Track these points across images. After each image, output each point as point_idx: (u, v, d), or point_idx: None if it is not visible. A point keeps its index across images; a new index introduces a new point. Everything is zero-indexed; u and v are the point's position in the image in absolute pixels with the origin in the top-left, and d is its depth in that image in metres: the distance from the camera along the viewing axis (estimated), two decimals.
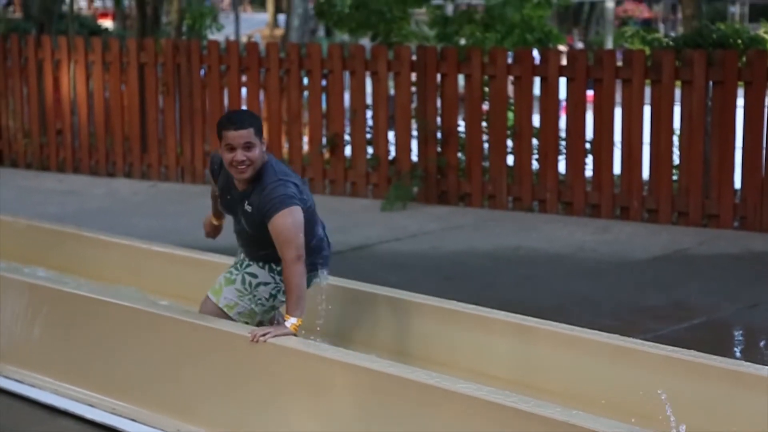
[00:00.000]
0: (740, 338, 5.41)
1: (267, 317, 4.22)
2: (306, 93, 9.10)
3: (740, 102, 7.57)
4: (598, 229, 7.62)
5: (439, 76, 8.48)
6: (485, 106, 8.46)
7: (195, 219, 5.88)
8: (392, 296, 4.52)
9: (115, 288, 5.06)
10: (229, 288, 4.10)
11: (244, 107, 9.31)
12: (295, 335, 3.83)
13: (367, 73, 8.80)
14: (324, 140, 8.97)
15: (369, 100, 8.88)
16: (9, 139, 10.46)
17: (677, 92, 7.71)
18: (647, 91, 7.78)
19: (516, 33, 11.10)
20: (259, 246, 4.05)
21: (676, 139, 7.81)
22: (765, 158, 7.49)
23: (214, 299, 4.10)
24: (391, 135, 8.78)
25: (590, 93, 8.10)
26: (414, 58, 8.60)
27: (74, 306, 4.43)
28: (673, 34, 21.71)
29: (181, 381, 4.06)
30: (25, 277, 4.79)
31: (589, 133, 8.05)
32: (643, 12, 30.20)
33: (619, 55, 8.12)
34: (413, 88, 8.63)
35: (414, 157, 8.66)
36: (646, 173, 7.86)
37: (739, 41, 7.96)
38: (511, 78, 8.30)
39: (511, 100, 8.41)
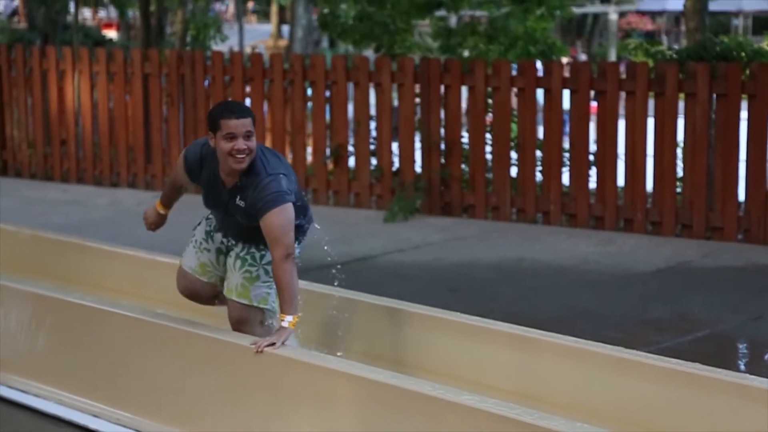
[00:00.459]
0: (744, 351, 5.40)
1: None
2: (310, 104, 9.11)
3: (744, 115, 7.57)
4: (602, 241, 7.62)
5: (442, 88, 8.50)
6: (489, 118, 8.47)
7: None
8: (395, 307, 4.52)
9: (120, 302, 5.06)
10: (255, 285, 4.05)
11: None
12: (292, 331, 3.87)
13: (371, 85, 8.82)
14: (328, 151, 8.99)
15: (373, 112, 8.90)
16: (13, 149, 10.48)
17: (681, 105, 7.72)
18: (651, 103, 7.79)
19: (519, 45, 11.11)
20: (261, 233, 3.98)
21: (679, 152, 7.81)
22: None
23: (244, 301, 4.05)
24: (394, 146, 8.79)
25: (594, 105, 8.11)
26: (417, 69, 8.62)
27: (78, 316, 4.44)
28: (676, 46, 21.72)
29: (186, 392, 4.06)
30: (29, 287, 4.79)
31: (593, 145, 8.06)
32: (646, 24, 30.25)
33: (622, 68, 8.13)
34: (417, 100, 8.65)
35: (417, 169, 8.67)
36: (649, 185, 7.86)
37: (743, 54, 7.96)
38: (514, 90, 8.31)
39: (515, 112, 8.42)
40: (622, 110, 7.93)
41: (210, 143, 3.95)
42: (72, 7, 17.53)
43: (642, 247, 7.43)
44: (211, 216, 4.22)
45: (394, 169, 8.76)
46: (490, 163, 8.42)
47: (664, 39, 29.60)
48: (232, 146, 3.86)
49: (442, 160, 8.54)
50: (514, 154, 8.31)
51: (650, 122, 7.80)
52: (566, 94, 8.12)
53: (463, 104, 8.75)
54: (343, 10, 11.74)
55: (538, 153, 8.25)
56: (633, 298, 6.20)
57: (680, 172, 7.83)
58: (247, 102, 9.34)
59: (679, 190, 7.81)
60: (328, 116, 9.00)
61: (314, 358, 3.81)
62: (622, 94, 7.90)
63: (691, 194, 7.69)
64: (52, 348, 4.49)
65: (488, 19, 12.42)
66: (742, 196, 7.61)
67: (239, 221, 4.02)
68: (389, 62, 8.86)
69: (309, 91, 9.09)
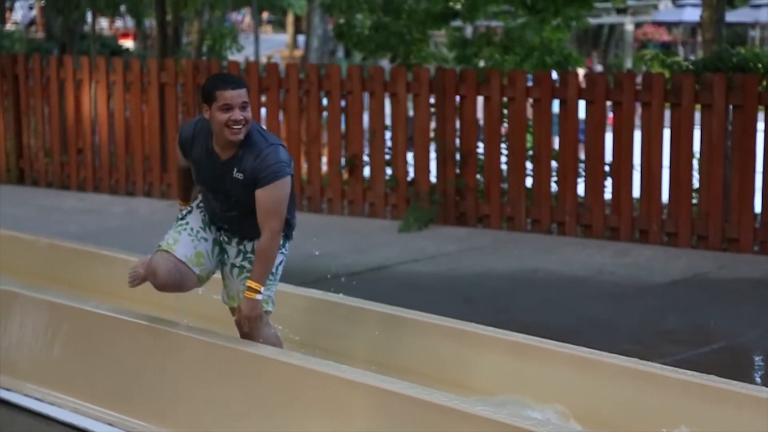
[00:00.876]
0: (760, 363, 5.37)
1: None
2: (325, 114, 9.13)
3: (760, 126, 7.54)
4: (617, 252, 7.59)
5: (458, 98, 8.50)
6: (504, 128, 8.46)
7: None
8: (409, 317, 4.52)
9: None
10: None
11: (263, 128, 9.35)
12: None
13: (387, 95, 8.83)
14: (343, 161, 9.00)
15: (388, 122, 8.91)
16: (30, 158, 10.53)
17: (697, 116, 7.70)
18: (667, 114, 7.78)
19: (535, 55, 11.11)
20: (255, 216, 3.93)
21: (695, 163, 7.78)
22: None
23: None
24: (409, 156, 8.79)
25: (610, 115, 8.10)
26: (433, 79, 8.63)
27: (94, 324, 4.45)
28: (692, 57, 21.67)
29: (200, 401, 4.06)
30: (45, 296, 4.81)
31: (609, 156, 8.04)
32: (662, 35, 30.19)
33: (638, 79, 8.11)
34: (432, 110, 8.66)
35: (433, 179, 8.67)
36: (665, 196, 7.83)
37: (759, 65, 7.94)
38: (530, 100, 8.31)
39: (530, 123, 8.42)
40: (638, 121, 7.91)
41: (205, 116, 3.89)
42: (89, 16, 17.65)
43: (657, 258, 7.40)
44: (202, 205, 4.12)
45: (409, 179, 8.77)
46: (505, 174, 8.42)
47: (681, 50, 29.52)
48: (229, 117, 3.81)
49: (457, 170, 8.54)
50: (529, 165, 8.30)
51: (666, 133, 7.78)
52: (582, 104, 8.10)
53: (479, 114, 8.74)
54: (359, 20, 11.76)
55: (554, 163, 8.24)
56: (648, 310, 6.18)
57: (696, 183, 7.81)
58: (262, 112, 9.37)
59: (694, 201, 7.79)
60: (343, 126, 9.01)
61: (329, 367, 3.80)
62: (638, 105, 7.89)
63: (707, 205, 7.66)
64: (67, 356, 4.50)
65: (504, 29, 12.42)
66: (758, 207, 7.57)
67: (235, 201, 3.93)
68: (405, 72, 8.87)
69: (324, 101, 9.11)
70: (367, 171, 8.99)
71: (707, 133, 7.65)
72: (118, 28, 33.52)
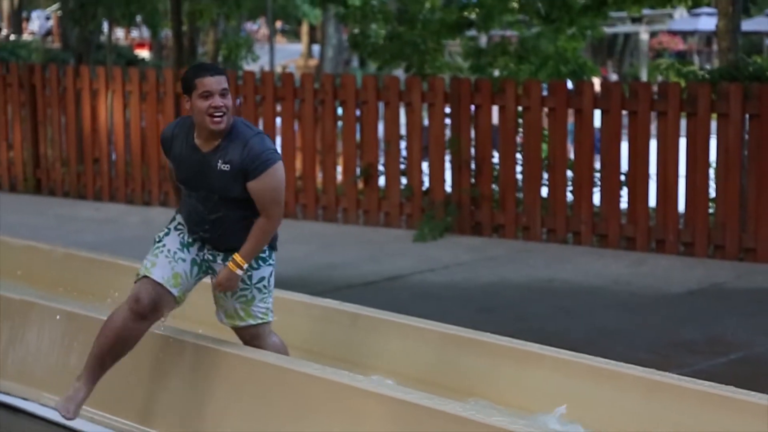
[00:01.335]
0: None
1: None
2: (340, 123, 9.15)
3: None
4: (633, 262, 7.56)
5: (473, 108, 8.50)
6: (519, 138, 8.45)
7: None
8: (424, 327, 4.51)
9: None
10: (253, 306, 4.03)
11: (278, 137, 9.38)
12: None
13: (401, 104, 8.84)
14: (358, 170, 9.00)
15: (403, 131, 8.91)
16: (47, 168, 10.59)
17: (713, 125, 7.67)
18: (683, 123, 7.75)
19: (550, 65, 11.11)
20: (240, 216, 3.87)
21: (712, 172, 7.75)
22: None
23: (250, 322, 4.05)
24: (424, 166, 8.79)
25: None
26: (448, 89, 8.63)
27: None
28: (708, 66, 21.61)
29: (215, 410, 4.06)
30: (61, 305, 4.82)
31: (624, 165, 8.02)
32: (677, 44, 30.11)
33: (653, 88, 8.09)
34: (447, 120, 8.65)
35: (448, 188, 8.66)
36: (682, 206, 7.80)
37: None
38: (545, 110, 8.30)
39: (545, 132, 8.40)
40: (654, 130, 7.89)
41: (186, 106, 3.85)
42: (105, 27, 17.75)
43: (674, 268, 7.37)
44: (181, 225, 4.04)
45: (424, 188, 8.76)
46: (520, 183, 8.40)
47: (696, 59, 29.44)
48: (209, 104, 3.76)
49: (473, 180, 8.53)
50: (544, 174, 8.28)
51: (682, 142, 7.75)
52: (597, 114, 8.09)
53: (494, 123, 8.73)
54: (374, 29, 11.79)
55: (569, 173, 8.22)
56: (665, 320, 6.15)
57: (713, 193, 7.77)
58: (278, 121, 9.39)
59: (711, 210, 7.75)
60: (358, 135, 9.02)
61: (344, 377, 3.80)
62: (653, 114, 7.87)
63: (723, 215, 7.63)
64: (84, 366, 4.50)
65: (519, 38, 12.42)
66: None
67: (219, 200, 3.85)
68: (420, 82, 8.88)
69: (339, 111, 9.12)
70: (382, 180, 8.99)
71: (723, 143, 7.62)
72: (134, 38, 33.69)
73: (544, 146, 8.39)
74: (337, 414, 3.70)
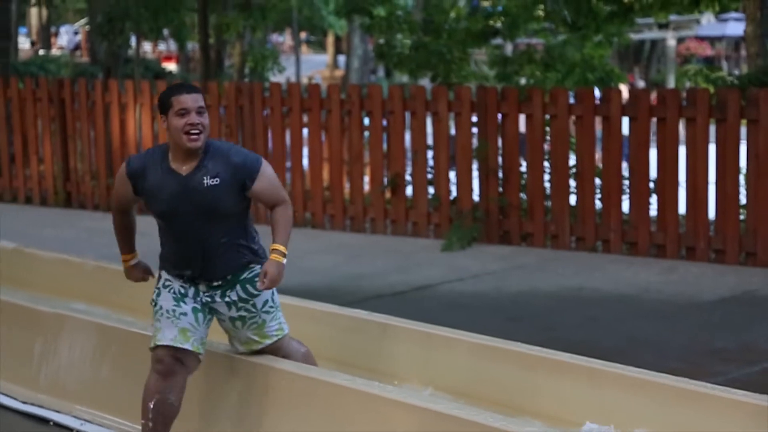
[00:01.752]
0: None
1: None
2: (367, 133, 9.16)
3: None
4: (664, 269, 7.51)
5: (500, 116, 8.49)
6: (547, 146, 8.43)
7: None
8: (453, 337, 4.50)
9: None
10: (265, 328, 4.00)
11: (305, 148, 9.41)
12: None
13: (428, 114, 8.84)
14: (385, 180, 9.01)
15: (430, 141, 8.91)
16: (77, 181, 10.67)
17: (743, 131, 7.61)
18: (712, 129, 7.70)
19: (577, 72, 11.07)
20: (225, 239, 3.83)
21: (742, 179, 7.69)
22: None
23: (267, 342, 4.03)
24: (452, 175, 8.78)
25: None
26: (474, 98, 8.62)
27: (142, 346, 4.47)
28: (736, 72, 21.46)
29: (245, 421, 4.07)
30: (93, 318, 4.85)
31: (653, 172, 7.97)
32: (705, 50, 29.91)
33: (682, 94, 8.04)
34: (474, 128, 8.64)
35: (475, 197, 8.64)
36: (712, 213, 7.74)
37: None
38: (572, 117, 8.27)
39: (573, 140, 8.37)
40: (682, 137, 7.84)
41: (162, 125, 3.81)
42: (133, 41, 17.89)
43: (705, 275, 7.31)
44: (168, 281, 3.96)
45: (451, 197, 8.76)
46: (548, 191, 8.37)
47: (724, 65, 29.24)
48: (186, 121, 3.73)
49: (500, 189, 8.51)
50: (572, 182, 8.25)
51: (711, 149, 7.70)
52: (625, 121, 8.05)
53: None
54: (399, 39, 11.81)
55: (597, 181, 8.18)
56: (697, 328, 6.10)
57: (743, 199, 7.71)
58: (305, 132, 9.42)
59: (742, 217, 7.69)
60: (385, 145, 9.03)
61: (374, 388, 3.79)
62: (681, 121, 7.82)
63: (754, 221, 7.56)
64: (116, 378, 4.54)
65: (544, 46, 12.40)
66: None
67: (206, 220, 3.80)
68: (446, 91, 8.88)
69: (366, 121, 9.14)
70: (409, 190, 8.99)
71: (753, 149, 7.56)
72: (161, 52, 33.95)
73: (572, 154, 8.35)
74: (369, 424, 3.69)
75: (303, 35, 38.10)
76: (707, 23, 27.40)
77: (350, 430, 3.74)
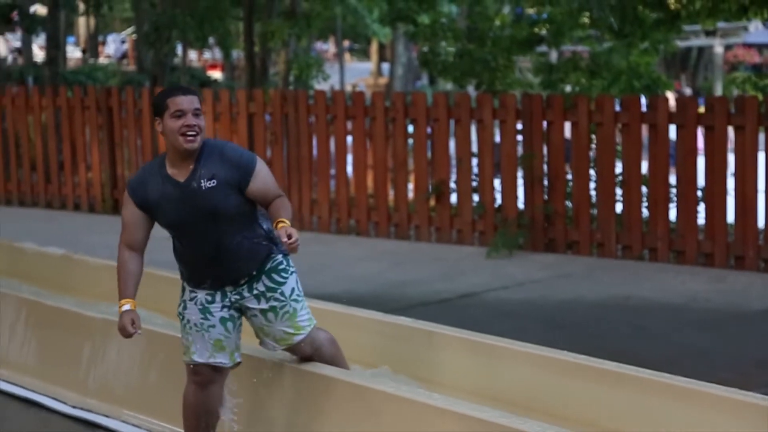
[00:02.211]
0: None
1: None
2: (411, 141, 9.16)
3: None
4: (712, 278, 7.42)
5: (545, 124, 8.45)
6: (592, 154, 8.37)
7: (305, 266, 5.93)
8: (499, 345, 4.48)
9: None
10: (297, 318, 3.94)
11: (349, 155, 9.44)
12: None
13: (473, 121, 8.83)
14: (429, 188, 9.01)
15: (474, 148, 8.90)
16: (124, 188, 10.77)
17: None
18: (761, 137, 7.60)
19: (623, 80, 10.98)
20: (239, 236, 3.78)
21: None
22: None
23: (303, 333, 3.95)
24: (496, 182, 8.76)
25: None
26: (519, 105, 8.59)
27: None
28: None
29: (285, 425, 4.08)
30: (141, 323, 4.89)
31: (701, 181, 7.89)
32: (753, 57, 29.55)
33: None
34: (519, 136, 8.61)
35: (520, 205, 8.61)
36: (761, 221, 7.64)
37: None
38: (618, 125, 8.21)
39: (619, 148, 8.31)
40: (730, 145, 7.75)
41: (158, 129, 3.76)
42: (179, 49, 18.08)
43: (754, 284, 7.21)
44: (193, 292, 3.92)
45: (496, 205, 8.73)
46: (594, 199, 8.32)
47: None
48: (182, 123, 3.68)
49: (546, 197, 8.47)
50: (618, 190, 8.19)
51: (761, 157, 7.60)
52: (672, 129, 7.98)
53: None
54: (444, 47, 11.80)
55: (644, 189, 8.11)
56: (746, 338, 6.01)
57: None
58: (349, 140, 9.45)
59: None
60: (429, 153, 9.03)
61: (420, 395, 3.79)
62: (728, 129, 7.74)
63: None
64: (163, 383, 4.57)
65: (590, 54, 12.31)
66: None
67: (214, 223, 3.75)
68: (491, 99, 8.86)
69: (410, 128, 9.14)
70: (454, 198, 8.98)
71: None
72: (207, 60, 34.25)
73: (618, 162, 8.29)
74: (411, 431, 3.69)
75: (347, 43, 38.23)
76: (755, 30, 27.06)
77: None
